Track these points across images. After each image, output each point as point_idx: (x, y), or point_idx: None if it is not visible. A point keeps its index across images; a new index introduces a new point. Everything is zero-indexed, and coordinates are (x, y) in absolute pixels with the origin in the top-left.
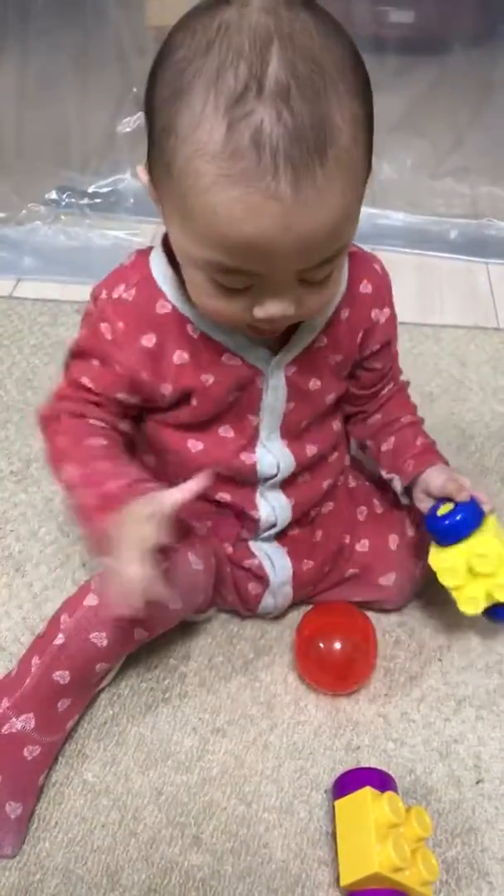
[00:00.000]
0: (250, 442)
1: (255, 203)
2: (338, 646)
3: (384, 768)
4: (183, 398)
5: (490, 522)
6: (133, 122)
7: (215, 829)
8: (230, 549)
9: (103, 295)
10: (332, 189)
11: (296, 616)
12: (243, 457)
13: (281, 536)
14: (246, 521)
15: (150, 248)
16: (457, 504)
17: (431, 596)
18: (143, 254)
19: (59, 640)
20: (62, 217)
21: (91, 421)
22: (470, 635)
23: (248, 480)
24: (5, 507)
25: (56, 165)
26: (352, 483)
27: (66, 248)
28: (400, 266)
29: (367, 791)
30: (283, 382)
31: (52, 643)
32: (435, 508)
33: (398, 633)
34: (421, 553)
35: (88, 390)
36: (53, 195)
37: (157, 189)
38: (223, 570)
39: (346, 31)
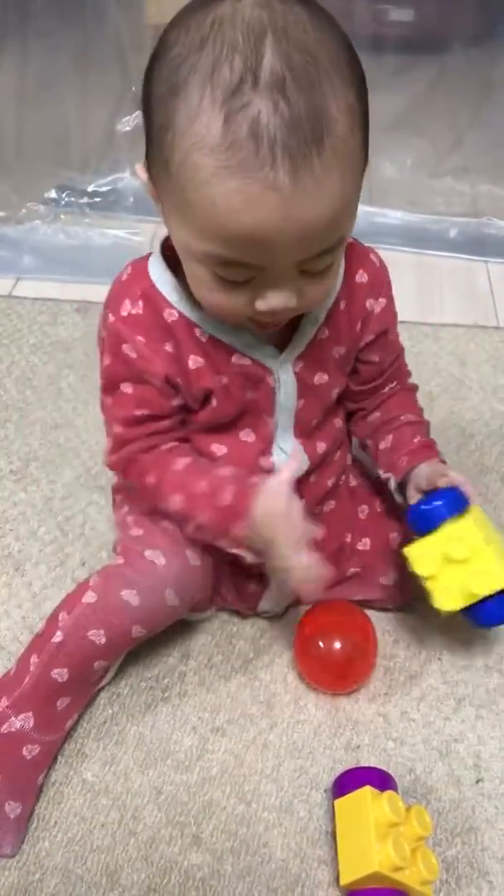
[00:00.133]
0: (268, 446)
1: (254, 194)
2: (338, 645)
3: (384, 767)
4: (205, 399)
5: (473, 512)
6: (132, 120)
7: (215, 828)
8: None
9: (110, 318)
10: (330, 178)
11: (296, 615)
12: (262, 461)
13: None
14: None
15: (146, 257)
16: (437, 490)
17: None
18: (139, 264)
19: (58, 637)
20: (62, 216)
21: (164, 448)
22: (470, 634)
23: None
24: (5, 507)
25: (56, 164)
26: (353, 482)
27: (65, 248)
28: (399, 265)
29: (367, 790)
30: (293, 378)
31: (50, 641)
32: (420, 502)
33: (398, 632)
34: None
35: (149, 418)
36: (53, 194)
37: (157, 186)
38: (222, 569)
39: (340, 26)
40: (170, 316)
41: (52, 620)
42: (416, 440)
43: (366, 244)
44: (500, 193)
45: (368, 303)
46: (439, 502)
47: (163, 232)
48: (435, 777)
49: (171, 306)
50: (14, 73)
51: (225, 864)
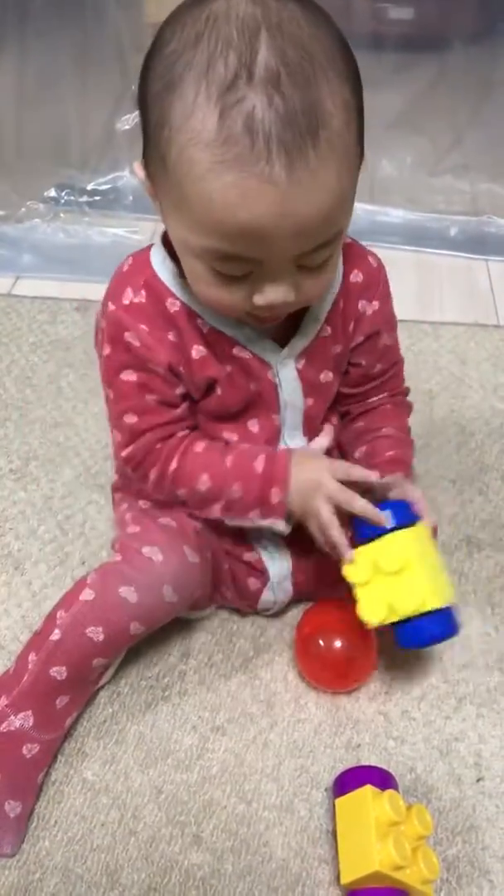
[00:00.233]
0: (272, 443)
1: (250, 188)
2: (338, 644)
3: (385, 766)
4: (207, 388)
5: (418, 528)
6: (132, 119)
7: (215, 827)
8: (229, 544)
9: (111, 307)
10: (326, 172)
11: (296, 613)
12: None
13: None
14: None
15: (147, 249)
16: (385, 500)
17: None
18: (141, 255)
19: (56, 635)
20: (61, 215)
21: (180, 434)
22: (470, 633)
23: None
24: (4, 506)
25: (55, 163)
26: None
27: (65, 246)
28: (399, 263)
29: (368, 789)
30: (296, 376)
31: (48, 639)
32: None
33: None
34: None
35: (161, 405)
36: (52, 193)
37: (154, 183)
38: (221, 566)
39: (334, 22)
40: (172, 306)
41: (50, 618)
42: (388, 454)
43: (366, 242)
44: (500, 192)
45: (361, 304)
46: (385, 512)
47: (163, 228)
48: (436, 776)
49: (173, 296)
50: (13, 72)
51: (225, 864)
